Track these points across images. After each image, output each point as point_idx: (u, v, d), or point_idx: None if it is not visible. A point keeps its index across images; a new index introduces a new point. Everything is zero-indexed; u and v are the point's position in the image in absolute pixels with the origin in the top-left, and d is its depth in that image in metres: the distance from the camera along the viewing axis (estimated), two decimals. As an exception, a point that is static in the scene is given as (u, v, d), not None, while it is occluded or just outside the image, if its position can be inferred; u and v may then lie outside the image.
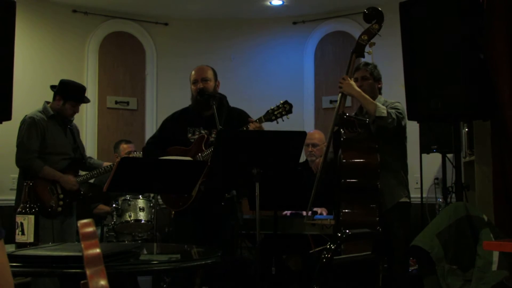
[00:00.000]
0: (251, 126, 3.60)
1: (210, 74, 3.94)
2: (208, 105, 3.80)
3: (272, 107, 3.64)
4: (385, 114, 3.50)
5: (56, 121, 4.43)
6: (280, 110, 3.61)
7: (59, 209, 4.31)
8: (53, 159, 4.36)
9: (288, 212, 4.69)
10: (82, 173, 4.59)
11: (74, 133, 4.59)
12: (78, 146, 4.60)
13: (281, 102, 3.64)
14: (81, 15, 6.36)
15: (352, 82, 3.63)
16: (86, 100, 4.62)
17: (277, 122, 3.63)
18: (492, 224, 3.03)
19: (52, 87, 4.46)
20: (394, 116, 3.53)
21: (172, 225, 4.26)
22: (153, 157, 3.81)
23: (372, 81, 3.81)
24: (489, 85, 3.15)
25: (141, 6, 6.54)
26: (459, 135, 4.15)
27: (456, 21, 3.25)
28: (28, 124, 4.30)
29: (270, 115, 3.62)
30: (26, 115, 4.39)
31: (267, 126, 3.66)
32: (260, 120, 3.63)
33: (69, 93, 4.40)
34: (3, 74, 3.37)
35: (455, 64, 3.24)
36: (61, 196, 4.34)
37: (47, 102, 4.48)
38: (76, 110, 4.46)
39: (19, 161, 4.35)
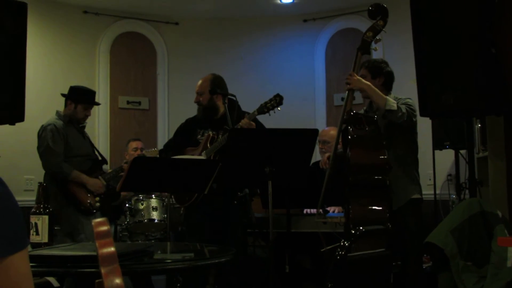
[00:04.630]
0: (242, 123, 3.73)
1: (202, 87, 4.07)
2: (212, 112, 4.02)
3: (265, 101, 3.76)
4: (395, 108, 3.48)
5: (73, 126, 4.48)
6: (272, 102, 3.74)
7: (97, 204, 4.38)
8: (78, 160, 4.41)
9: (310, 210, 4.62)
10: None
11: (89, 137, 4.65)
12: (95, 149, 4.65)
13: (274, 95, 3.77)
14: (92, 16, 6.39)
15: (360, 77, 3.61)
16: (97, 102, 4.69)
17: (269, 114, 3.75)
18: (507, 220, 3.01)
19: (63, 94, 4.51)
20: (404, 110, 3.51)
21: (185, 224, 4.28)
22: (165, 156, 3.87)
23: (369, 78, 3.77)
24: (501, 79, 3.13)
25: (152, 6, 6.55)
26: (472, 130, 4.12)
27: (467, 15, 3.23)
28: (51, 131, 4.33)
29: (263, 108, 3.75)
30: (43, 125, 4.40)
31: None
32: (253, 114, 3.77)
33: (79, 96, 4.47)
34: (16, 75, 3.39)
35: (467, 59, 3.22)
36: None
37: (58, 111, 4.52)
38: (88, 113, 4.53)
39: (48, 165, 4.34)
